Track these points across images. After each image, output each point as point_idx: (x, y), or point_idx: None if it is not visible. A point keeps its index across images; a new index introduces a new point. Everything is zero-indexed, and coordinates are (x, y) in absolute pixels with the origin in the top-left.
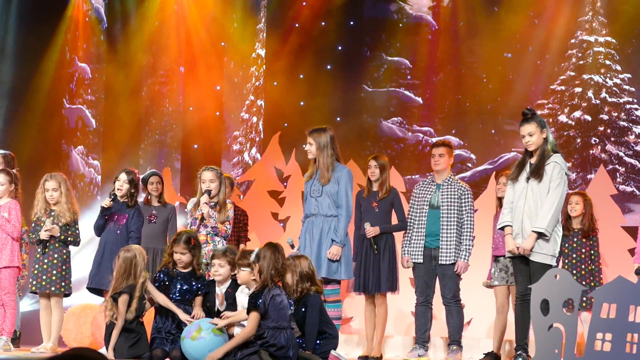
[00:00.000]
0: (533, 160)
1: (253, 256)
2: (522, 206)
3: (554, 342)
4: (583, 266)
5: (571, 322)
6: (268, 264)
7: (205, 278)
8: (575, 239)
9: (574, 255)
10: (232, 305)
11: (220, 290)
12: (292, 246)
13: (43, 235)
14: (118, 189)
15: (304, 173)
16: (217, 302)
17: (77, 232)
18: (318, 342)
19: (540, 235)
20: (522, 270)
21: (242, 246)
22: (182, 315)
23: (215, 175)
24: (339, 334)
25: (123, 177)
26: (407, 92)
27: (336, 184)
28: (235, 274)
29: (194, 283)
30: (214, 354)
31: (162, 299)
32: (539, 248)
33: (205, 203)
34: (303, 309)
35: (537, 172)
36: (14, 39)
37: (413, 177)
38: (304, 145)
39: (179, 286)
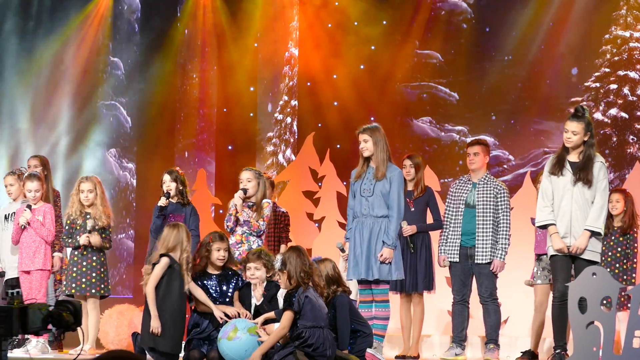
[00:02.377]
0: (572, 158)
1: (279, 264)
2: (568, 207)
3: (592, 340)
4: (618, 265)
5: (609, 320)
6: (295, 268)
7: (239, 273)
8: (612, 237)
9: (610, 254)
10: (269, 306)
11: (257, 291)
12: (342, 250)
13: (83, 240)
14: (167, 191)
15: (339, 173)
16: (253, 301)
17: (109, 237)
18: (352, 341)
19: (593, 234)
20: (564, 268)
21: (283, 247)
22: (217, 312)
23: (253, 175)
24: (385, 334)
25: (167, 177)
26: (441, 87)
27: (388, 183)
28: (271, 276)
29: (230, 284)
30: (253, 357)
31: (200, 294)
32: (590, 246)
33: (240, 197)
34: (333, 311)
35: (587, 177)
36: (45, 36)
37: (447, 180)
38: (360, 147)
39: (215, 288)
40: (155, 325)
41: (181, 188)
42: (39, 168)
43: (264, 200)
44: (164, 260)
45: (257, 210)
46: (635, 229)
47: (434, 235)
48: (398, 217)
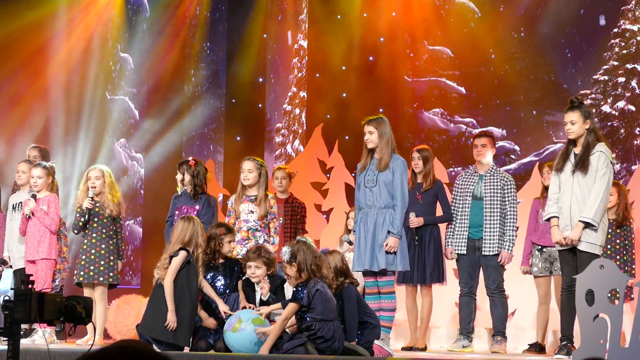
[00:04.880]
0: (577, 150)
1: (287, 256)
2: (569, 198)
3: (599, 332)
4: (618, 257)
5: (616, 313)
6: (305, 260)
7: (239, 261)
8: (610, 230)
9: (609, 246)
10: (275, 298)
11: (265, 289)
12: (350, 243)
13: (86, 203)
14: (181, 181)
15: (347, 165)
16: (258, 295)
17: (121, 225)
18: (360, 332)
19: (588, 225)
20: (569, 261)
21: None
22: (222, 306)
23: (254, 165)
24: (392, 325)
25: (182, 170)
26: (449, 82)
27: (391, 174)
28: (271, 274)
29: (234, 274)
30: (261, 351)
31: (208, 289)
32: (587, 237)
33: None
34: (340, 303)
35: (583, 164)
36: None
37: (455, 169)
38: (365, 138)
39: (221, 280)
40: (172, 319)
41: (194, 180)
42: (38, 159)
43: (270, 197)
44: (183, 254)
45: (260, 204)
46: (631, 221)
47: (443, 227)
48: (402, 206)
